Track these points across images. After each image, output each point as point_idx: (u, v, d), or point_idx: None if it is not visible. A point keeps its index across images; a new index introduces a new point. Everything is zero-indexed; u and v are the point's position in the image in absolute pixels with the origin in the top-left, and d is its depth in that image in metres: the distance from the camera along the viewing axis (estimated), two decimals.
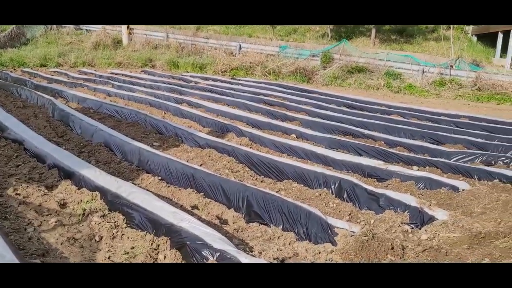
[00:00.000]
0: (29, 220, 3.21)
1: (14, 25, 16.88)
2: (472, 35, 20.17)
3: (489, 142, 6.31)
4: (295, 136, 6.34)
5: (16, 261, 2.29)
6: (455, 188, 4.16)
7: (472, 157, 5.39)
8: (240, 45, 15.96)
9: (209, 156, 5.10)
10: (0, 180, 3.95)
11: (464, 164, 5.07)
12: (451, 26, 16.53)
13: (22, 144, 4.97)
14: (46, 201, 3.54)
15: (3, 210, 3.31)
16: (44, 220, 3.23)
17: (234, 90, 10.39)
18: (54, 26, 18.33)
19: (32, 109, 7.27)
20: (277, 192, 3.98)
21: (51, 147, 4.80)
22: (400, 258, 2.85)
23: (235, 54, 15.69)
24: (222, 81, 12.13)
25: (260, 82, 12.24)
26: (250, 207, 3.60)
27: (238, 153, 5.01)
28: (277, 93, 10.34)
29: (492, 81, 12.22)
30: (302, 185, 4.29)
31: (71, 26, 18.48)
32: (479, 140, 6.40)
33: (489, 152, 5.65)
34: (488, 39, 18.81)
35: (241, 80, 12.74)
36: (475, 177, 4.65)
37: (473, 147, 6.08)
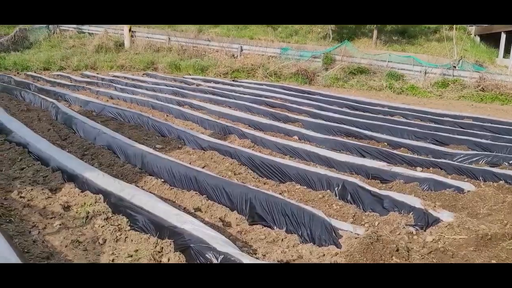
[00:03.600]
0: (33, 223, 3.21)
1: (17, 29, 16.95)
2: (475, 35, 20.10)
3: (493, 143, 6.28)
4: (297, 138, 6.33)
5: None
6: (460, 190, 4.13)
7: (476, 158, 5.36)
8: (241, 47, 15.98)
9: (211, 158, 5.09)
10: (5, 183, 3.95)
11: (469, 165, 5.04)
12: (454, 26, 16.48)
13: (26, 147, 4.99)
14: (50, 204, 3.55)
15: (8, 213, 3.32)
16: (49, 223, 3.23)
17: (236, 92, 10.40)
18: (57, 30, 18.40)
19: (35, 112, 7.30)
20: (280, 194, 3.97)
21: (54, 150, 4.81)
22: (406, 260, 2.83)
23: (237, 56, 15.70)
24: (223, 83, 12.14)
25: (262, 84, 12.24)
26: (253, 209, 3.59)
27: (241, 155, 5.00)
28: (279, 94, 10.33)
29: (495, 81, 12.17)
30: (305, 187, 4.28)
31: (74, 30, 18.54)
32: (483, 141, 6.37)
33: (494, 153, 5.61)
34: (491, 40, 18.74)
35: (243, 82, 12.75)
36: (480, 178, 4.62)
37: (478, 148, 6.05)
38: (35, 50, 16.33)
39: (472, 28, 20.00)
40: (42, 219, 3.29)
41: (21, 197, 3.63)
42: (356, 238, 3.01)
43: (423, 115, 8.58)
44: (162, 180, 4.26)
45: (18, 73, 12.97)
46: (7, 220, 3.20)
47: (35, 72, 13.13)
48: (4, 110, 6.93)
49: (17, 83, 10.48)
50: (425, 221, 3.43)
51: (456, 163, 5.15)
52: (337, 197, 4.06)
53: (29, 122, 6.56)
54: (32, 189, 3.77)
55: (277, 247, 3.05)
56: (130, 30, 16.80)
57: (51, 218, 3.33)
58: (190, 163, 4.73)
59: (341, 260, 2.82)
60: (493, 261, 2.79)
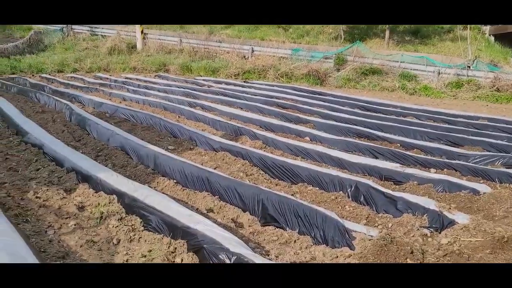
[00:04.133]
0: (49, 223, 3.26)
1: (32, 32, 17.25)
2: (489, 35, 19.75)
3: (509, 144, 6.16)
4: (308, 139, 6.31)
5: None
6: (475, 191, 4.07)
7: (492, 159, 5.27)
8: (252, 49, 16.00)
9: (223, 159, 5.11)
10: (21, 184, 4.03)
11: (484, 167, 4.96)
12: (468, 26, 16.23)
13: (42, 148, 5.07)
14: (65, 204, 3.60)
15: (24, 213, 3.38)
16: (64, 223, 3.28)
17: (247, 93, 10.41)
18: (71, 32, 18.68)
19: (50, 114, 7.42)
20: (292, 195, 3.96)
21: (69, 151, 4.88)
22: (420, 263, 2.80)
23: (248, 57, 15.72)
24: (235, 85, 12.17)
25: (273, 85, 12.23)
26: (266, 210, 3.59)
27: (252, 156, 5.01)
28: (290, 95, 10.31)
29: (511, 81, 11.95)
30: (317, 188, 4.26)
31: (87, 32, 18.79)
32: (498, 142, 6.26)
33: (510, 154, 5.51)
34: (506, 39, 18.39)
35: (254, 83, 12.76)
36: (496, 180, 4.54)
37: (493, 149, 5.95)
38: (49, 52, 16.60)
39: (487, 28, 19.65)
40: (57, 219, 3.34)
41: (37, 197, 3.69)
42: (369, 240, 2.98)
43: (437, 116, 8.46)
44: (175, 181, 4.29)
45: (33, 75, 13.20)
46: (24, 220, 3.26)
47: (49, 74, 13.35)
48: (20, 112, 7.06)
49: (32, 85, 10.67)
50: (440, 223, 3.39)
51: (471, 164, 5.07)
52: (350, 199, 4.03)
53: (44, 123, 6.67)
54: (47, 189, 3.83)
55: (290, 249, 3.04)
56: (142, 32, 16.96)
57: (66, 218, 3.38)
58: (202, 164, 4.75)
59: (354, 262, 2.80)
60: None
